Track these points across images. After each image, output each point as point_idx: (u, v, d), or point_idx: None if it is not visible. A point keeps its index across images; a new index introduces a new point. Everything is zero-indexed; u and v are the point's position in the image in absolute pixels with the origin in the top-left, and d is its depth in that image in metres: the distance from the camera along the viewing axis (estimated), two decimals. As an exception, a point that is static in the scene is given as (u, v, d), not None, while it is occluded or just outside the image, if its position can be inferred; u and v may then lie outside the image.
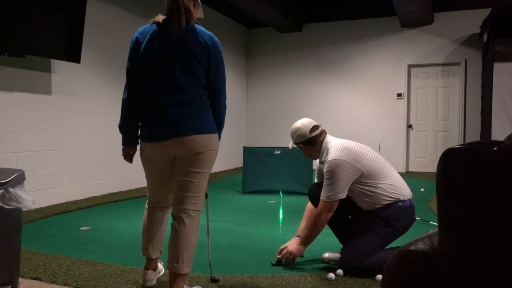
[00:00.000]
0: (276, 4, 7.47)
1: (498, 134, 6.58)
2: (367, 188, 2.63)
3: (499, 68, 6.73)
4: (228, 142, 8.75)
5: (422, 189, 6.00)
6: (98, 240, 3.41)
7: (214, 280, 2.45)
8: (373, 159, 2.66)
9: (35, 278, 2.51)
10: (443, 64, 8.16)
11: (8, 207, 2.09)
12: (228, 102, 8.86)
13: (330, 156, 2.62)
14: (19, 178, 2.17)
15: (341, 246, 2.87)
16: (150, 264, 2.37)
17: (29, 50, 4.25)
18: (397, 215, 2.60)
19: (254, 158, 5.77)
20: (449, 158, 1.16)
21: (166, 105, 2.07)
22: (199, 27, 2.13)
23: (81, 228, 3.78)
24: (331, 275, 2.50)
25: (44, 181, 4.67)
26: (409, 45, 8.30)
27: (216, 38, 2.14)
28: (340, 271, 2.56)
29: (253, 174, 5.75)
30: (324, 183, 2.63)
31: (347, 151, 2.62)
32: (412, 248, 1.28)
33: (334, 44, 8.83)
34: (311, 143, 2.75)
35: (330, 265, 2.75)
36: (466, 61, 7.98)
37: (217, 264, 2.80)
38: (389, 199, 2.62)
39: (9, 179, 2.10)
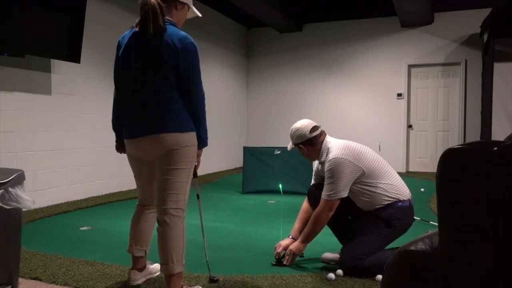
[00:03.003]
0: (276, 4, 7.47)
1: (498, 134, 6.58)
2: (367, 188, 2.63)
3: (499, 68, 6.73)
4: (228, 142, 8.75)
5: (422, 189, 6.00)
6: (98, 240, 3.41)
7: (213, 281, 2.45)
8: (373, 159, 2.67)
9: (35, 278, 2.51)
10: (443, 64, 8.16)
11: (8, 207, 2.08)
12: (228, 102, 8.88)
13: (332, 155, 2.62)
14: (19, 178, 2.17)
15: (341, 246, 2.87)
16: (135, 264, 2.42)
17: (29, 50, 4.25)
18: (397, 215, 2.60)
19: (254, 158, 5.77)
20: (449, 158, 1.16)
21: (141, 106, 2.15)
22: (172, 28, 2.13)
23: (81, 228, 3.78)
24: (331, 275, 2.50)
25: (44, 181, 4.67)
26: (409, 45, 8.30)
27: (188, 39, 2.12)
28: (340, 271, 2.56)
29: (253, 174, 5.75)
30: (325, 182, 2.63)
31: (349, 150, 2.63)
32: (412, 248, 1.28)
33: (334, 44, 8.83)
34: (311, 143, 2.75)
35: (330, 265, 2.75)
36: (466, 61, 7.98)
37: (217, 264, 2.80)
38: (389, 199, 2.62)
39: (9, 179, 2.10)
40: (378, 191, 2.62)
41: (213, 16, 8.09)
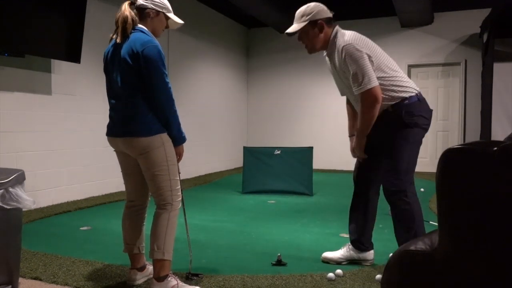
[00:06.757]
0: (276, 4, 7.47)
1: (498, 134, 6.58)
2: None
3: (499, 68, 6.73)
4: (228, 142, 8.74)
5: (422, 189, 5.99)
6: (98, 240, 3.41)
7: (188, 277, 2.47)
8: (383, 53, 2.65)
9: (35, 278, 2.51)
10: (443, 64, 8.16)
11: (8, 207, 2.09)
12: (228, 102, 8.88)
13: (343, 41, 2.54)
14: (19, 178, 2.17)
15: (341, 245, 2.87)
16: (134, 263, 2.46)
17: (29, 50, 4.25)
18: (407, 110, 2.53)
19: (254, 158, 5.77)
20: (449, 158, 1.16)
21: (115, 110, 2.31)
22: (138, 34, 2.24)
23: (81, 228, 3.78)
24: (331, 275, 2.50)
25: (44, 181, 4.67)
26: (409, 45, 8.30)
27: (151, 43, 2.19)
28: (339, 271, 2.56)
29: (253, 174, 5.75)
30: (350, 76, 2.51)
31: (356, 36, 2.61)
32: (412, 248, 1.28)
33: (334, 44, 8.81)
34: (330, 22, 2.66)
35: (330, 265, 2.76)
36: (466, 61, 7.98)
37: (217, 264, 2.80)
38: (397, 91, 2.53)
39: (9, 179, 2.10)
40: (386, 83, 2.54)
41: (213, 16, 8.08)
